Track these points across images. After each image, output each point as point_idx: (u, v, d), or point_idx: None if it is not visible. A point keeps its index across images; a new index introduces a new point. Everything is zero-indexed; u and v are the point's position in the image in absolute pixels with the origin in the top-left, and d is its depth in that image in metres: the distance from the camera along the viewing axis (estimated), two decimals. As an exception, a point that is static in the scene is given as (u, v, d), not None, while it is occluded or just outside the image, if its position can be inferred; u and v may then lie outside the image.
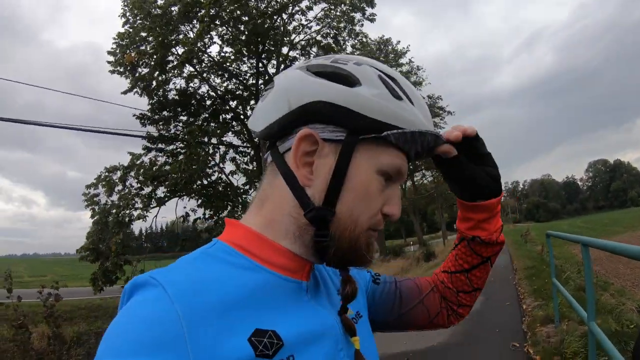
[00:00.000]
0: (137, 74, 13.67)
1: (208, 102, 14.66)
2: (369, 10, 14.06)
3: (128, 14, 13.64)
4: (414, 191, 37.04)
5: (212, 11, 12.16)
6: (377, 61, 0.67)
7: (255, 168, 13.97)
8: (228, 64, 13.58)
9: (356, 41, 15.35)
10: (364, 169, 0.63)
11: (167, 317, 0.52)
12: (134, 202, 13.02)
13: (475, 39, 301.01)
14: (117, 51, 13.72)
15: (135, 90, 13.81)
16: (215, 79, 14.10)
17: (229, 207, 13.78)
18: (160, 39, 13.03)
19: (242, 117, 14.07)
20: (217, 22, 12.75)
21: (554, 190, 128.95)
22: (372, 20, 14.29)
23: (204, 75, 14.21)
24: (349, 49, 15.03)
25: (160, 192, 13.43)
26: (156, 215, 13.67)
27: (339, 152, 0.62)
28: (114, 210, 12.61)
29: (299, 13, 13.74)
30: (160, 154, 13.89)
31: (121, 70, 13.74)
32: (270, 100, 0.66)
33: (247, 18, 12.02)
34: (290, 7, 13.24)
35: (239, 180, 14.38)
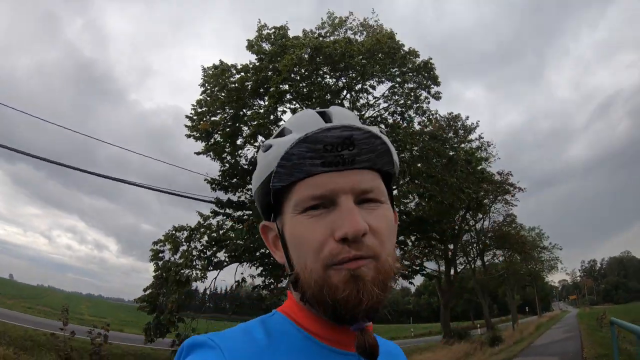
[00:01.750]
0: (211, 141, 14.45)
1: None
2: (434, 88, 14.21)
3: (207, 84, 14.65)
4: (484, 271, 35.05)
5: (282, 86, 12.83)
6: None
7: None
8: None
9: (423, 118, 15.34)
10: (288, 221, 0.65)
11: None
12: (194, 263, 13.27)
13: (547, 110, 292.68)
14: (195, 117, 14.64)
15: (208, 153, 14.52)
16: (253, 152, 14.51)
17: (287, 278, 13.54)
18: (233, 111, 13.81)
19: None
20: (287, 97, 13.35)
21: (634, 268, 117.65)
22: (437, 98, 14.46)
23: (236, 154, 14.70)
24: (417, 127, 15.04)
25: (222, 255, 13.62)
26: (215, 277, 13.89)
27: None
28: (173, 268, 12.90)
29: (363, 92, 14.11)
30: (226, 219, 14.26)
31: (197, 135, 14.57)
32: None
33: (317, 93, 12.47)
34: (358, 85, 13.65)
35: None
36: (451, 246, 25.34)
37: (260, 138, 14.27)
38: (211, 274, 13.72)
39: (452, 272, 26.82)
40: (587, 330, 18.43)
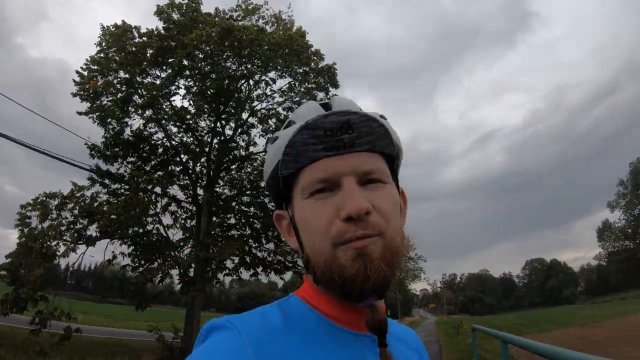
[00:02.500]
0: (97, 103, 13.43)
1: (160, 150, 14.38)
2: (332, 91, 14.31)
3: (104, 43, 13.66)
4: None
5: (185, 62, 12.34)
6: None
7: (194, 226, 13.58)
8: (188, 117, 13.48)
9: None
10: (297, 206, 0.69)
11: (241, 359, 0.56)
12: (63, 235, 12.34)
13: (431, 132, 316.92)
14: (85, 74, 13.56)
15: (92, 115, 13.47)
16: (172, 128, 13.94)
17: (160, 261, 13.08)
18: (128, 76, 13.00)
19: (190, 172, 13.85)
20: (186, 73, 12.85)
21: (490, 285, 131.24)
22: None
23: (162, 122, 14.01)
24: None
25: (93, 230, 12.80)
26: (84, 253, 12.97)
27: None
28: (40, 239, 11.87)
29: (264, 82, 14.01)
30: (103, 190, 13.38)
31: (84, 94, 13.49)
32: None
33: (215, 76, 12.10)
34: (259, 75, 13.52)
35: (175, 235, 13.84)
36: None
37: (150, 111, 13.57)
38: (80, 250, 12.80)
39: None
40: (445, 337, 19.61)
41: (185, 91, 13.06)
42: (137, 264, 13.50)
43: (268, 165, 0.73)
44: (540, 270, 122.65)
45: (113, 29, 13.61)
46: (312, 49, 13.58)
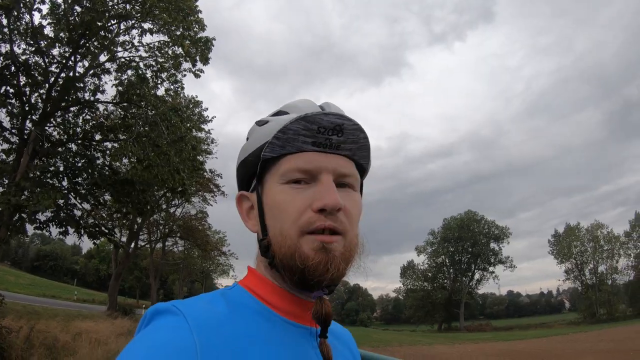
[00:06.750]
0: None
1: (-2, 63, 11.50)
2: (199, 65, 13.60)
3: None
4: (162, 255, 35.21)
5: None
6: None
7: (12, 162, 11.11)
8: (43, 40, 11.16)
9: (172, 87, 14.50)
10: (270, 188, 0.71)
11: (185, 345, 0.54)
12: None
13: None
14: None
15: None
16: (21, 44, 11.35)
17: None
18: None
19: (25, 99, 11.34)
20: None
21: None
22: (197, 75, 13.64)
23: (12, 34, 11.13)
24: (161, 92, 14.06)
25: None
26: None
27: None
28: None
29: (140, 30, 12.56)
30: None
31: None
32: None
33: (89, 4, 10.44)
34: (135, 20, 12.18)
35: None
36: (139, 220, 24.70)
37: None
38: None
39: (132, 245, 26.15)
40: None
41: (49, 9, 10.79)
42: None
43: (250, 145, 0.74)
44: (343, 292, 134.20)
45: None
46: (199, 16, 12.79)
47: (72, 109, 12.58)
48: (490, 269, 69.36)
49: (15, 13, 10.22)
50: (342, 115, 0.68)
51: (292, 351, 0.65)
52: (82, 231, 12.15)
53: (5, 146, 11.77)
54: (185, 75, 13.99)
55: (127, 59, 13.25)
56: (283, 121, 0.69)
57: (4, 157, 11.78)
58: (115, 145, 13.27)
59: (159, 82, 13.80)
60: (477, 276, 70.78)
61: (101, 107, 13.57)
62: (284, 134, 0.67)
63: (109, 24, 11.64)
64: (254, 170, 0.74)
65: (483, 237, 69.31)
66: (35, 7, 10.57)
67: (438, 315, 72.50)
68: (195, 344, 0.55)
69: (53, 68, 11.55)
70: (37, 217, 10.48)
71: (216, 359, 0.55)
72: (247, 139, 0.77)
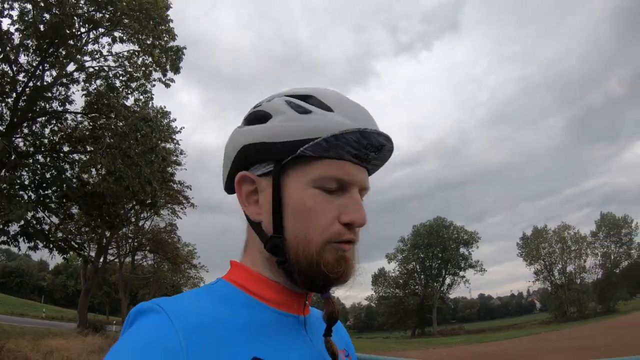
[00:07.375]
0: None
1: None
2: (170, 75, 13.51)
3: None
4: (132, 269, 34.28)
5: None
6: (293, 88, 0.75)
7: None
8: (9, 45, 10.85)
9: (141, 97, 14.26)
10: (296, 188, 0.67)
11: (169, 344, 0.54)
12: None
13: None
14: None
15: None
16: None
17: None
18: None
19: None
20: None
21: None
22: (167, 85, 13.52)
23: None
24: (130, 102, 13.78)
25: None
26: None
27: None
28: None
29: (111, 39, 12.39)
30: None
31: None
32: (223, 161, 0.77)
33: (58, 12, 10.21)
34: (104, 29, 11.95)
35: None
36: (108, 233, 24.08)
37: None
38: None
39: (101, 259, 25.45)
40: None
41: (18, 16, 10.50)
42: None
43: (282, 132, 0.67)
44: (316, 301, 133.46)
45: None
46: (170, 25, 12.68)
47: (39, 119, 12.26)
48: (461, 273, 69.81)
49: None
50: (388, 137, 0.69)
51: (283, 340, 0.66)
52: (52, 245, 11.82)
53: None
54: (154, 85, 13.81)
55: (96, 68, 13.01)
56: (334, 123, 0.65)
57: None
58: (84, 157, 13.01)
59: (128, 92, 13.60)
60: (448, 281, 71.21)
61: (70, 118, 13.26)
62: (337, 140, 0.64)
63: (78, 32, 11.42)
64: (272, 157, 0.68)
65: (452, 242, 69.85)
66: (5, 13, 10.33)
67: (411, 321, 72.48)
68: (180, 342, 0.54)
69: (21, 77, 11.27)
70: (7, 228, 10.16)
71: (203, 356, 0.55)
72: (264, 115, 0.71)
